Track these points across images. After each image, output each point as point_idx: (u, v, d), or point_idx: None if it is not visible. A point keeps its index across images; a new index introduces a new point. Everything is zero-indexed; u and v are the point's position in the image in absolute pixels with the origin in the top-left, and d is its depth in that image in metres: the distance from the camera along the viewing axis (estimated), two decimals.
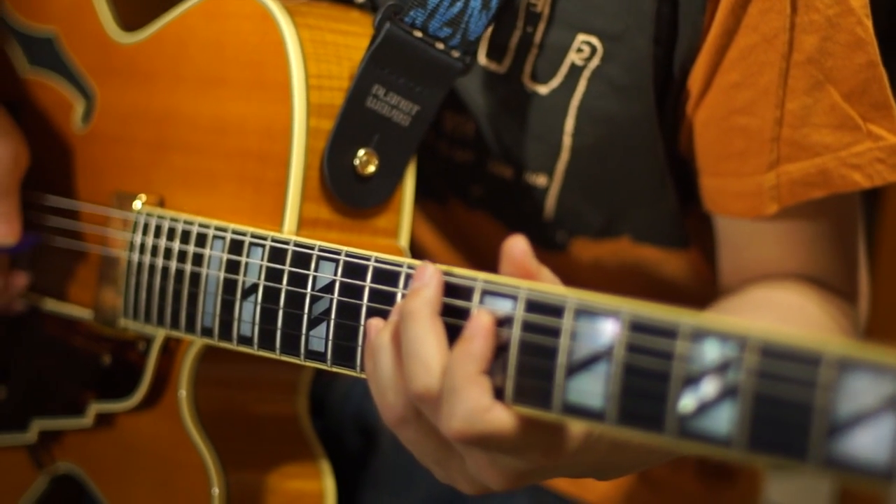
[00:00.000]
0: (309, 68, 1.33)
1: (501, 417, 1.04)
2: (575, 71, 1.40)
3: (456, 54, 1.35)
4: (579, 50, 1.40)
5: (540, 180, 1.47)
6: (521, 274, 1.07)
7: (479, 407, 1.04)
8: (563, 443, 1.08)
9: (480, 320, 1.06)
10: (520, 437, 1.05)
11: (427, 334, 1.08)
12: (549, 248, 1.51)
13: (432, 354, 1.07)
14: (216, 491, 1.37)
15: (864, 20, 1.33)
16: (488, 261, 1.56)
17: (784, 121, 1.35)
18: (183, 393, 1.38)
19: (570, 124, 1.43)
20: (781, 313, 1.37)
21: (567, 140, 1.43)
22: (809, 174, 1.35)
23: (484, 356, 1.05)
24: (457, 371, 1.05)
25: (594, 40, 1.39)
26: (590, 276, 1.51)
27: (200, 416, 1.39)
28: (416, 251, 1.46)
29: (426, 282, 1.10)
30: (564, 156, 1.44)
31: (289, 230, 1.31)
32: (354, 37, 1.38)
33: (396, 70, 1.34)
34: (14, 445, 1.55)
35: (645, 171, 1.46)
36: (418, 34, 1.34)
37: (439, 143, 1.51)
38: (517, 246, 1.07)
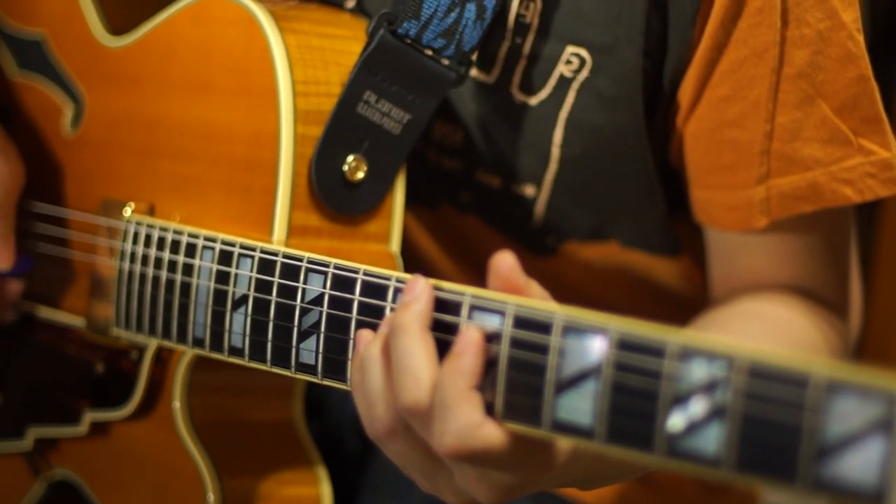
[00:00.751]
0: (295, 74, 1.32)
1: (493, 434, 1.04)
2: (564, 82, 1.39)
3: (450, 64, 1.34)
4: (568, 62, 1.38)
5: (528, 190, 1.46)
6: (508, 289, 1.06)
7: (471, 423, 1.03)
8: (552, 458, 1.08)
9: (470, 336, 1.05)
10: (511, 453, 1.05)
11: (418, 348, 1.07)
12: (539, 253, 1.50)
13: (423, 368, 1.06)
14: (211, 497, 1.37)
15: (855, 34, 1.32)
16: (482, 264, 1.55)
17: (774, 135, 1.34)
18: (177, 404, 1.38)
19: (558, 135, 1.42)
20: (768, 326, 1.36)
21: (555, 151, 1.42)
22: (800, 188, 1.35)
23: (474, 372, 1.04)
24: (448, 387, 1.04)
25: (583, 52, 1.38)
26: (580, 279, 1.50)
27: (195, 425, 1.38)
28: (410, 255, 1.45)
29: (417, 295, 1.09)
30: (553, 166, 1.43)
31: (278, 239, 1.30)
32: (343, 41, 1.37)
33: (389, 77, 1.33)
34: (10, 453, 1.55)
35: (633, 182, 1.45)
36: (412, 44, 1.33)
37: (428, 150, 1.50)
38: (504, 261, 1.07)
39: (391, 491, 1.58)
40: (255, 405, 1.44)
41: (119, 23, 1.50)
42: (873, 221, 2.79)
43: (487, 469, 1.07)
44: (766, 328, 1.35)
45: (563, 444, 1.08)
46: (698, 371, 0.94)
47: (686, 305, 1.53)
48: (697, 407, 0.94)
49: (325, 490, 1.43)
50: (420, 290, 1.09)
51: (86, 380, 1.47)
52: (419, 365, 1.07)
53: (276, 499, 1.42)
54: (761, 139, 1.34)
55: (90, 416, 1.45)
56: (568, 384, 1.01)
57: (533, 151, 1.44)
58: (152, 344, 1.39)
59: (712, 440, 0.93)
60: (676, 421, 0.95)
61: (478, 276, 1.14)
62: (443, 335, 1.09)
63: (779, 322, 1.37)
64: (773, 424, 0.90)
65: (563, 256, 1.51)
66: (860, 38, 1.32)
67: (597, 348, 0.99)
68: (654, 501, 1.58)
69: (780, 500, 2.57)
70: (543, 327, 1.03)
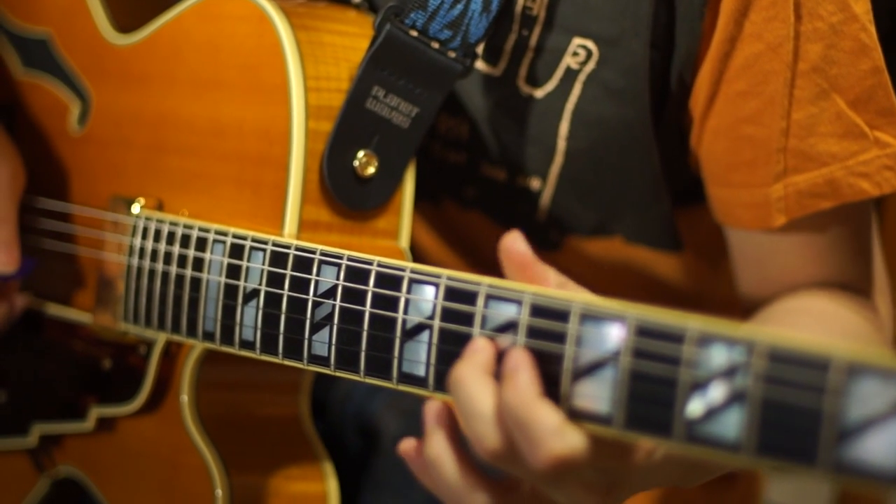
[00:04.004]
0: (307, 70, 1.32)
1: (577, 435, 1.02)
2: (570, 75, 1.40)
3: (456, 56, 1.35)
4: (575, 54, 1.39)
5: (534, 183, 1.47)
6: (521, 269, 1.06)
7: (555, 425, 1.01)
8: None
9: (517, 354, 1.04)
10: (591, 446, 1.02)
11: (482, 391, 1.05)
12: (543, 247, 1.51)
13: (489, 405, 1.05)
14: (219, 493, 1.37)
15: (867, 26, 1.32)
16: (485, 259, 1.56)
17: (790, 131, 1.34)
18: (185, 398, 1.38)
19: (564, 128, 1.42)
20: (816, 319, 1.36)
21: (561, 144, 1.43)
22: (817, 185, 1.35)
23: (534, 382, 1.02)
24: (516, 407, 1.02)
25: (590, 44, 1.38)
26: (584, 274, 1.49)
27: (202, 420, 1.39)
28: (413, 251, 1.45)
29: (476, 349, 1.08)
30: (558, 159, 1.44)
31: (289, 233, 1.31)
32: (352, 37, 1.38)
33: (396, 72, 1.34)
34: (15, 449, 1.54)
35: (639, 176, 1.45)
36: (419, 36, 1.34)
37: (433, 144, 1.51)
38: (515, 245, 1.06)
39: (393, 489, 1.58)
40: (262, 400, 1.44)
41: (126, 21, 1.51)
42: (876, 217, 2.79)
43: (583, 471, 1.04)
44: (814, 322, 1.35)
45: None
46: (718, 356, 0.94)
47: (689, 301, 1.53)
48: (717, 392, 0.94)
49: (332, 486, 1.43)
50: (477, 346, 1.07)
51: (92, 375, 1.47)
52: (486, 406, 1.04)
53: (283, 494, 1.42)
54: (778, 136, 1.34)
55: (97, 412, 1.45)
56: (585, 372, 1.01)
57: (539, 144, 1.44)
58: (161, 339, 1.39)
59: (732, 425, 0.94)
60: (695, 407, 0.95)
61: (482, 272, 1.14)
62: (459, 327, 1.09)
63: (826, 315, 1.37)
64: (794, 408, 0.90)
65: (567, 251, 1.51)
66: (872, 29, 1.32)
67: (615, 335, 1.00)
68: (655, 499, 1.59)
69: (781, 498, 2.58)
70: (561, 315, 1.03)
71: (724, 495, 1.64)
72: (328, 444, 1.48)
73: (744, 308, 1.45)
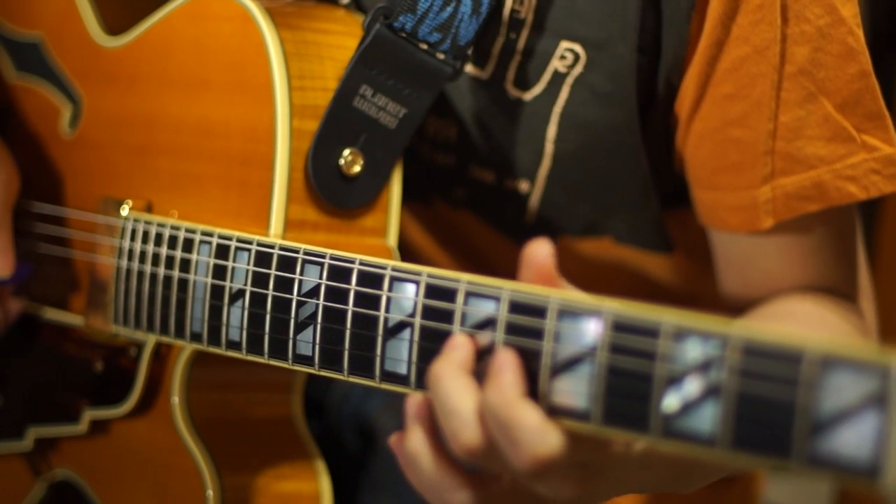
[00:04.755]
0: (291, 69, 1.32)
1: (558, 434, 1.01)
2: (558, 78, 1.40)
3: (445, 58, 1.34)
4: (562, 57, 1.39)
5: (522, 185, 1.47)
6: (543, 280, 1.05)
7: (537, 426, 1.00)
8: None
9: (504, 355, 1.03)
10: (570, 443, 1.02)
11: (459, 388, 1.05)
12: None
13: (467, 404, 1.04)
14: (210, 494, 1.37)
15: (855, 30, 1.32)
16: (478, 258, 1.56)
17: (777, 133, 1.33)
18: (176, 399, 1.38)
19: (552, 131, 1.42)
20: (802, 322, 1.35)
21: (549, 147, 1.43)
22: (804, 187, 1.34)
23: (518, 382, 1.02)
24: (499, 408, 1.01)
25: (577, 48, 1.38)
26: (574, 274, 1.49)
27: (194, 421, 1.39)
28: (406, 250, 1.45)
29: (455, 346, 1.07)
30: (546, 162, 1.44)
31: (275, 233, 1.31)
32: (338, 36, 1.37)
33: (385, 71, 1.33)
34: (11, 453, 1.55)
35: (627, 179, 1.44)
36: (408, 38, 1.33)
37: (421, 146, 1.50)
38: (541, 252, 1.05)
39: (391, 489, 1.58)
40: (253, 401, 1.44)
41: (116, 23, 1.51)
42: (874, 218, 2.78)
43: (564, 468, 1.04)
44: (798, 325, 1.35)
45: None
46: (693, 350, 0.94)
47: (682, 301, 1.52)
48: (692, 386, 0.94)
49: (325, 485, 1.43)
50: (455, 343, 1.07)
51: (85, 378, 1.47)
52: (463, 404, 1.04)
53: (276, 494, 1.42)
54: (765, 138, 1.33)
55: (89, 415, 1.46)
56: (563, 367, 1.01)
57: (527, 147, 1.44)
58: (150, 340, 1.39)
59: (707, 419, 0.93)
60: (671, 401, 0.95)
61: (474, 270, 1.14)
62: (440, 324, 1.09)
63: (810, 318, 1.36)
64: (768, 401, 0.90)
65: (558, 252, 1.50)
66: (860, 33, 1.32)
67: (592, 331, 0.99)
68: (655, 500, 1.58)
69: (780, 498, 2.57)
70: (538, 311, 1.03)
71: (723, 495, 1.63)
72: (326, 444, 1.48)
73: (729, 311, 1.44)
